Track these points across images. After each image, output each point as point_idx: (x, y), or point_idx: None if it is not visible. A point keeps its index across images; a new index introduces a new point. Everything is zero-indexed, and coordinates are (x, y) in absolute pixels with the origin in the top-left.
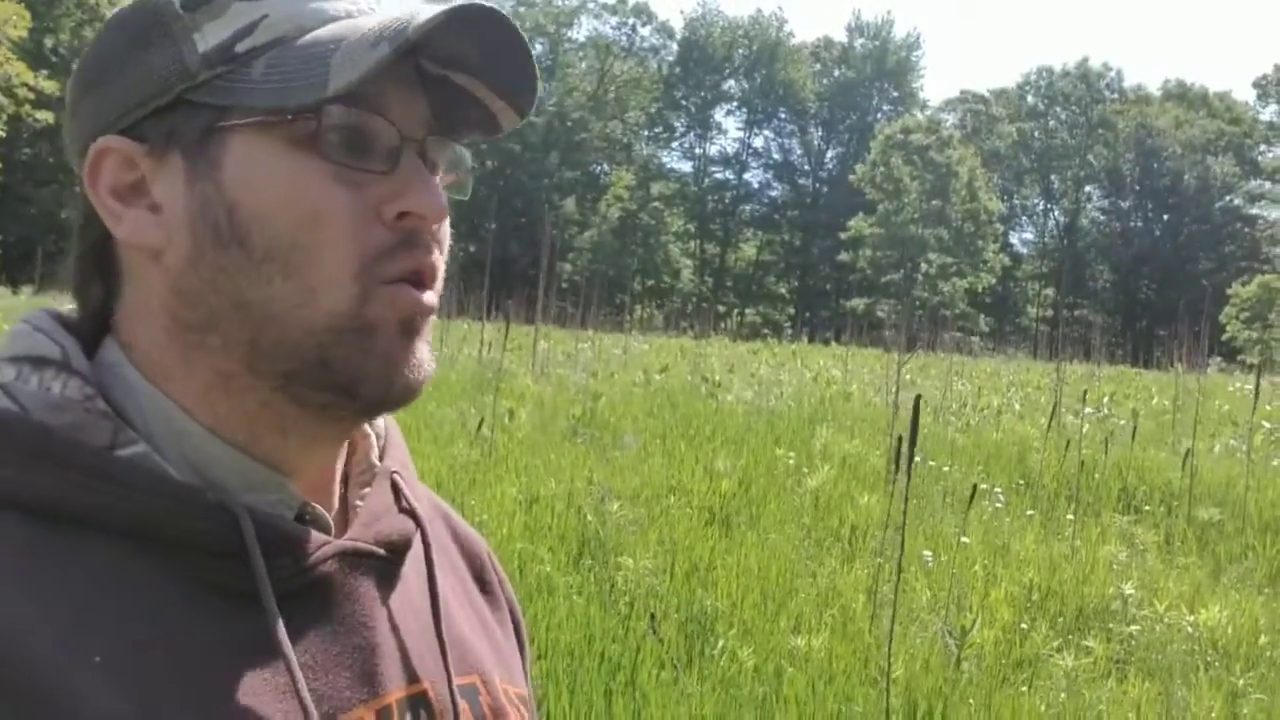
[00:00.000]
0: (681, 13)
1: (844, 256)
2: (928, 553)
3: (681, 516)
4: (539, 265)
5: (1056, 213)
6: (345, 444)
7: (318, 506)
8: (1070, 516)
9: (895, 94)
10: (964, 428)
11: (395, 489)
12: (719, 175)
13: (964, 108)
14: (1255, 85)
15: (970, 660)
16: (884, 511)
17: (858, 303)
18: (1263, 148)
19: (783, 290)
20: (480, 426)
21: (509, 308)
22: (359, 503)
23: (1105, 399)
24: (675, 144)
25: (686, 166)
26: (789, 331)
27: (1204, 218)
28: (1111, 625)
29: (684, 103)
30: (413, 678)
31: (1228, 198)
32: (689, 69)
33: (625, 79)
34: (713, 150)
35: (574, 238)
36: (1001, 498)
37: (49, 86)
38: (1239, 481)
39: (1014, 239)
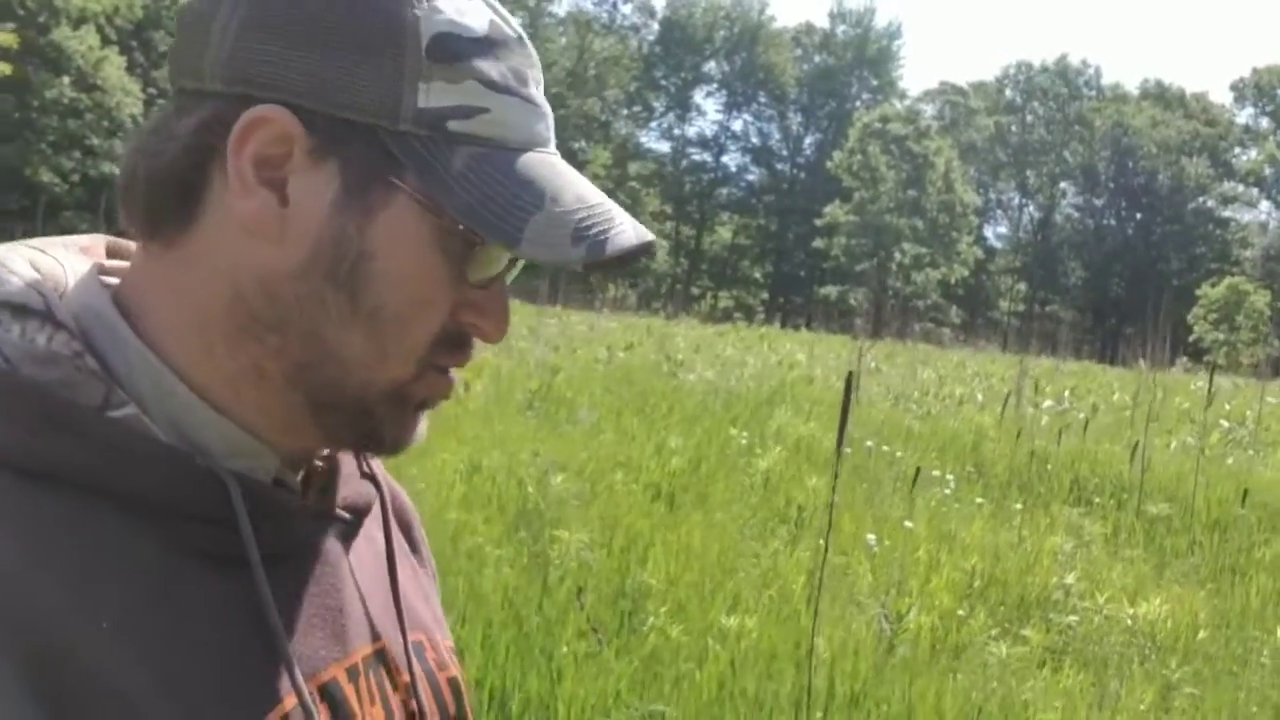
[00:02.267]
0: None
1: (819, 243)
2: (871, 536)
3: (626, 492)
4: None
5: (1031, 208)
6: None
7: (289, 473)
8: (1018, 506)
9: (875, 82)
10: (924, 415)
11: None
12: (696, 157)
13: (942, 99)
14: (1232, 88)
15: (905, 645)
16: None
17: (830, 290)
18: (1237, 150)
19: (757, 275)
20: None
21: None
22: (319, 463)
23: (1066, 393)
24: (654, 124)
25: (664, 147)
26: (761, 316)
27: (1177, 218)
28: (1052, 615)
29: (663, 83)
30: (374, 635)
31: (1201, 199)
32: (669, 49)
33: (605, 56)
34: (691, 132)
35: None
36: (952, 484)
37: (7, 40)
38: (1190, 477)
39: (988, 232)
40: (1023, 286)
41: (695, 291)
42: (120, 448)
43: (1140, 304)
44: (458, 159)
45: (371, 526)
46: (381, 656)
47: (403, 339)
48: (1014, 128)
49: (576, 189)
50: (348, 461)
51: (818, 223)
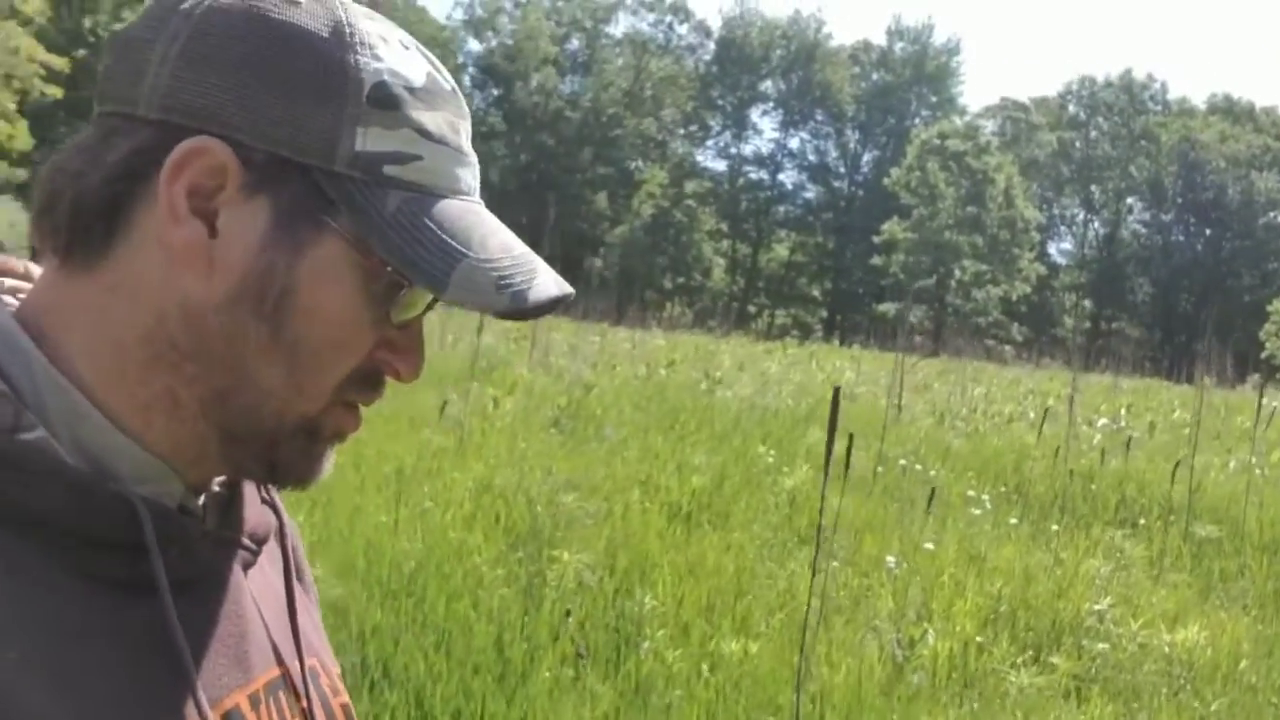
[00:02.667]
0: (719, 11)
1: (877, 261)
2: (891, 558)
3: (640, 511)
4: (572, 259)
5: (1096, 224)
6: None
7: (193, 498)
8: (1055, 527)
9: (934, 99)
10: (971, 433)
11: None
12: (753, 175)
13: (1003, 115)
14: None
15: (919, 673)
16: (858, 512)
17: (889, 307)
18: None
19: (815, 292)
20: (443, 409)
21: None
22: (217, 488)
23: (1123, 410)
24: (710, 143)
25: (721, 166)
26: (819, 334)
27: (1247, 234)
28: (1085, 642)
29: (720, 102)
30: (276, 661)
31: (1272, 214)
32: (725, 68)
33: (661, 76)
34: (747, 150)
35: (605, 233)
36: (988, 505)
37: (58, 62)
38: (1244, 498)
39: (1052, 249)
40: (1089, 303)
41: (752, 309)
42: (31, 471)
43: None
44: (390, 203)
45: (266, 551)
46: (282, 682)
47: (321, 374)
48: (1078, 143)
49: (501, 238)
50: (250, 487)
51: (876, 240)
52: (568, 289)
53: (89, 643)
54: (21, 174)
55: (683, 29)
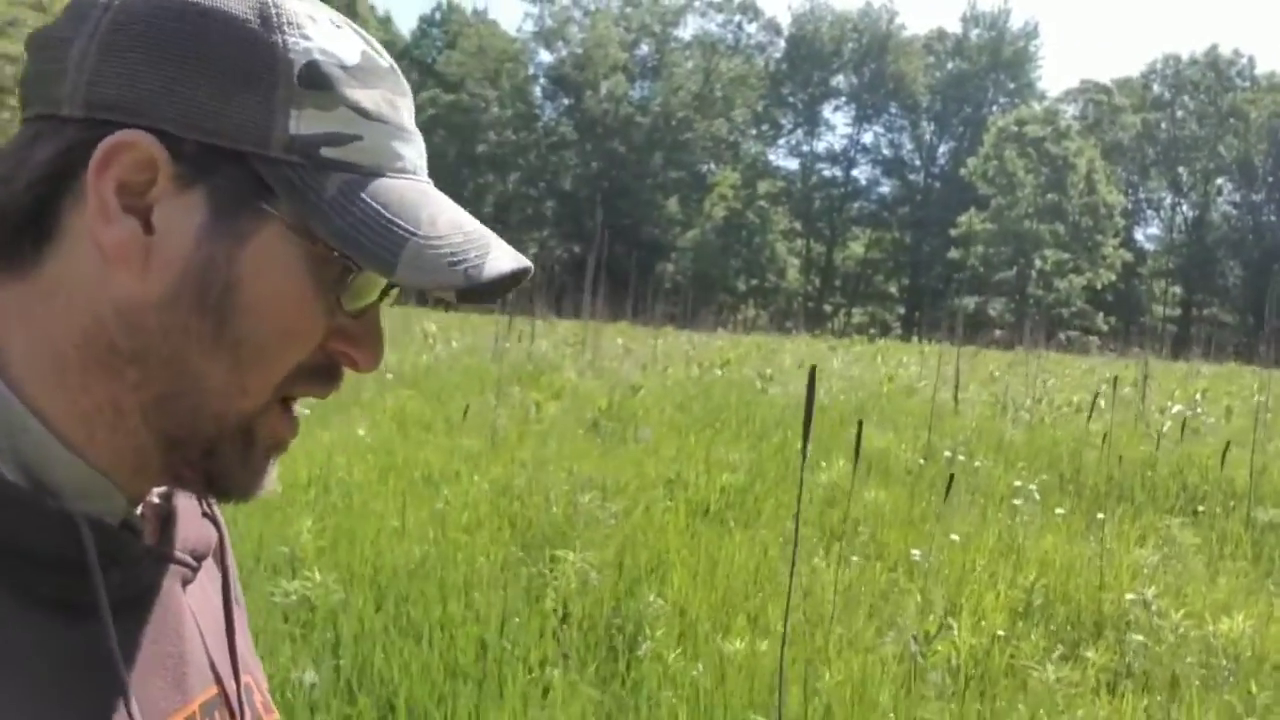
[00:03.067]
0: (789, 8)
1: (955, 254)
2: (916, 551)
3: (660, 510)
4: (643, 264)
5: (1184, 206)
6: None
7: (134, 514)
8: (1101, 515)
9: (1011, 85)
10: (1037, 423)
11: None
12: (826, 172)
13: (1085, 98)
14: None
15: (938, 670)
16: (896, 506)
17: (969, 301)
18: None
19: (892, 289)
20: (465, 414)
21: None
22: (155, 499)
23: (1198, 396)
24: (782, 141)
25: (793, 164)
26: (897, 331)
27: None
28: (1128, 635)
29: (791, 99)
30: (213, 680)
31: None
32: (796, 65)
33: (731, 77)
34: (820, 147)
35: (677, 238)
36: (1036, 495)
37: None
38: None
39: (1139, 234)
40: (1178, 290)
41: (828, 308)
42: None
43: None
44: (330, 186)
45: (205, 566)
46: (219, 701)
47: (267, 368)
48: (1163, 124)
49: (451, 215)
50: (189, 501)
51: (953, 233)
52: (525, 263)
53: (22, 665)
54: None
55: (752, 28)
